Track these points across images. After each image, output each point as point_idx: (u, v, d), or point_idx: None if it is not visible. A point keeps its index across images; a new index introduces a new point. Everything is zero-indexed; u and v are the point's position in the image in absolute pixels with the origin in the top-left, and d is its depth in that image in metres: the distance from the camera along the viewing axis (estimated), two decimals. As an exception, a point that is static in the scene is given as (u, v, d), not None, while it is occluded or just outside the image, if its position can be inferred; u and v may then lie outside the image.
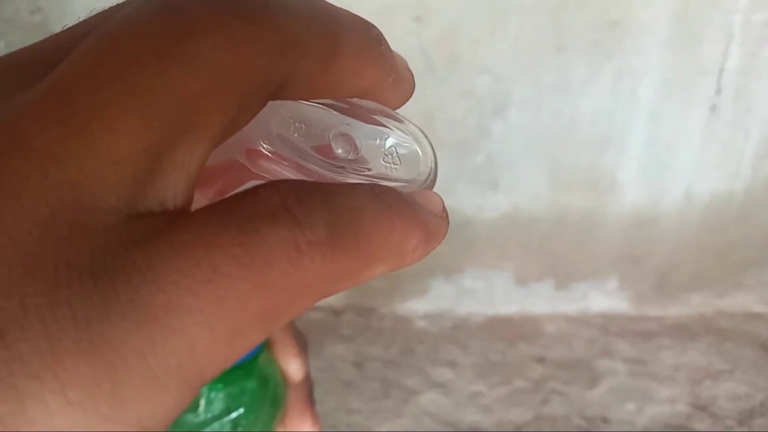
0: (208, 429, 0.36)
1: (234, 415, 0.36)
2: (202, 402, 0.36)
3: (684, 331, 1.15)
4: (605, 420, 0.99)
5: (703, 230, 1.11)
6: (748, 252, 1.15)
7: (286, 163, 0.19)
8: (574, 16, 0.96)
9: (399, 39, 0.95)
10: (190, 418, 0.36)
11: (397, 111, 0.20)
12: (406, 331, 1.11)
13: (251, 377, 0.37)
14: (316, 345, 1.07)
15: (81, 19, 0.18)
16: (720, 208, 1.10)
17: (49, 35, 0.18)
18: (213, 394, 0.36)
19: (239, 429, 0.36)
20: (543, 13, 0.95)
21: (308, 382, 0.39)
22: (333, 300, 1.14)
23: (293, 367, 0.38)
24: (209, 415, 0.36)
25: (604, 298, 1.16)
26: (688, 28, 0.98)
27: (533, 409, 1.00)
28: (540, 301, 1.16)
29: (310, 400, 0.39)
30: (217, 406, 0.36)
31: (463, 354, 1.08)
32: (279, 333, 0.38)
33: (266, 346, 0.38)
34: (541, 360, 1.08)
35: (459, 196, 1.05)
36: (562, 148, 1.04)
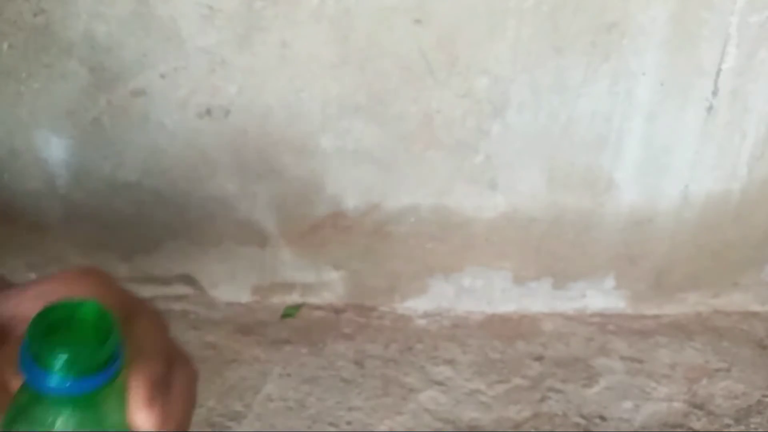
0: None
1: None
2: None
3: (681, 330, 1.15)
4: (603, 418, 0.99)
5: (700, 230, 1.12)
6: (745, 251, 1.15)
7: None
8: (571, 18, 0.96)
9: (398, 41, 0.96)
10: None
11: None
12: (405, 330, 1.12)
13: (85, 412, 0.33)
14: (317, 343, 1.07)
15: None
16: (716, 208, 1.11)
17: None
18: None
19: None
20: (541, 16, 0.96)
21: None
22: (334, 299, 1.15)
23: (140, 419, 0.34)
24: None
25: (601, 297, 1.17)
26: (685, 29, 0.98)
27: (531, 406, 1.00)
28: (538, 299, 1.16)
29: None
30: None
31: (462, 352, 1.09)
32: (135, 376, 0.34)
33: (120, 388, 0.34)
34: (539, 358, 1.09)
35: (458, 196, 1.06)
36: (560, 149, 1.05)
